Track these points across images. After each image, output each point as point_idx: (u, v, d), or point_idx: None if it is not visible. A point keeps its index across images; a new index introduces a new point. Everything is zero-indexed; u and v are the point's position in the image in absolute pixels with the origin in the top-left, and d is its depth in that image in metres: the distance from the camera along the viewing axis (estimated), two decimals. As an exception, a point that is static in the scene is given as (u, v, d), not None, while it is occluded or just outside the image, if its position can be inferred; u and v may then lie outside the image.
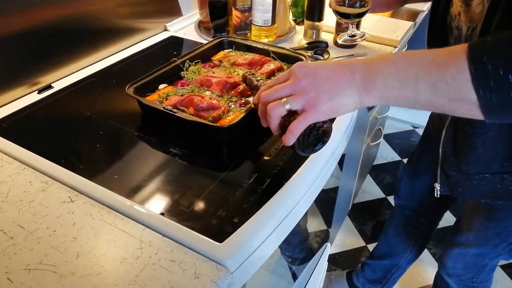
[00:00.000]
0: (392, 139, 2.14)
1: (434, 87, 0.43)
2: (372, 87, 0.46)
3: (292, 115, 0.51)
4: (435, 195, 0.83)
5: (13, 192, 0.60)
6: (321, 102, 0.48)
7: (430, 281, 1.24)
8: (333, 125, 0.53)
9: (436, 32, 0.77)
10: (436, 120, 0.85)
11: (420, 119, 2.19)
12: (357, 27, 1.03)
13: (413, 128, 2.23)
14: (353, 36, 1.01)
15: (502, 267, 1.50)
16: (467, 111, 0.43)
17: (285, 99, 0.50)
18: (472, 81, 0.40)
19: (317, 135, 0.54)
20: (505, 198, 0.73)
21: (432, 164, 0.84)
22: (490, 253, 0.91)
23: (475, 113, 0.42)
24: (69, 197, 0.59)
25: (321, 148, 0.57)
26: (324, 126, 0.54)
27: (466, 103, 0.42)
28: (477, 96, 0.40)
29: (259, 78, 0.74)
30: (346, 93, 0.47)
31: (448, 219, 1.04)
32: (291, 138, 0.50)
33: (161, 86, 0.80)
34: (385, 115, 1.53)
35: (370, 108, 1.24)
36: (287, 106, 0.50)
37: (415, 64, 0.44)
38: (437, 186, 0.82)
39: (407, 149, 2.08)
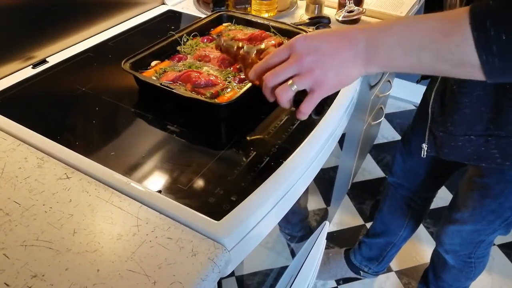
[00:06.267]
0: (393, 118, 2.12)
1: (438, 54, 0.43)
2: (376, 58, 0.47)
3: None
4: (422, 156, 0.83)
5: (8, 168, 0.59)
6: (328, 79, 0.48)
7: (428, 259, 1.25)
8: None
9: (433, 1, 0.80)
10: (431, 83, 0.84)
11: (422, 98, 2.16)
12: (358, 2, 1.00)
13: (414, 108, 2.21)
14: (351, 11, 0.98)
15: (500, 246, 1.52)
16: (469, 74, 0.44)
17: (291, 81, 0.49)
18: (475, 47, 0.41)
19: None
20: (488, 161, 0.74)
21: (424, 133, 0.84)
22: (486, 229, 0.92)
23: (477, 75, 0.43)
24: (65, 173, 0.58)
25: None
26: None
27: (468, 67, 0.43)
28: (480, 61, 0.41)
29: (239, 44, 0.69)
30: (350, 65, 0.48)
31: (447, 198, 1.04)
32: (303, 117, 0.52)
33: (153, 63, 0.78)
34: (387, 94, 1.51)
35: (372, 87, 1.22)
36: (294, 88, 0.49)
37: (418, 32, 0.44)
38: (424, 146, 0.83)
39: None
